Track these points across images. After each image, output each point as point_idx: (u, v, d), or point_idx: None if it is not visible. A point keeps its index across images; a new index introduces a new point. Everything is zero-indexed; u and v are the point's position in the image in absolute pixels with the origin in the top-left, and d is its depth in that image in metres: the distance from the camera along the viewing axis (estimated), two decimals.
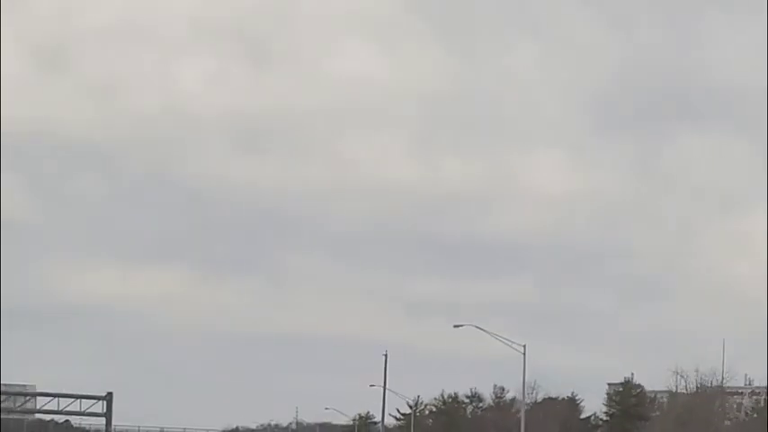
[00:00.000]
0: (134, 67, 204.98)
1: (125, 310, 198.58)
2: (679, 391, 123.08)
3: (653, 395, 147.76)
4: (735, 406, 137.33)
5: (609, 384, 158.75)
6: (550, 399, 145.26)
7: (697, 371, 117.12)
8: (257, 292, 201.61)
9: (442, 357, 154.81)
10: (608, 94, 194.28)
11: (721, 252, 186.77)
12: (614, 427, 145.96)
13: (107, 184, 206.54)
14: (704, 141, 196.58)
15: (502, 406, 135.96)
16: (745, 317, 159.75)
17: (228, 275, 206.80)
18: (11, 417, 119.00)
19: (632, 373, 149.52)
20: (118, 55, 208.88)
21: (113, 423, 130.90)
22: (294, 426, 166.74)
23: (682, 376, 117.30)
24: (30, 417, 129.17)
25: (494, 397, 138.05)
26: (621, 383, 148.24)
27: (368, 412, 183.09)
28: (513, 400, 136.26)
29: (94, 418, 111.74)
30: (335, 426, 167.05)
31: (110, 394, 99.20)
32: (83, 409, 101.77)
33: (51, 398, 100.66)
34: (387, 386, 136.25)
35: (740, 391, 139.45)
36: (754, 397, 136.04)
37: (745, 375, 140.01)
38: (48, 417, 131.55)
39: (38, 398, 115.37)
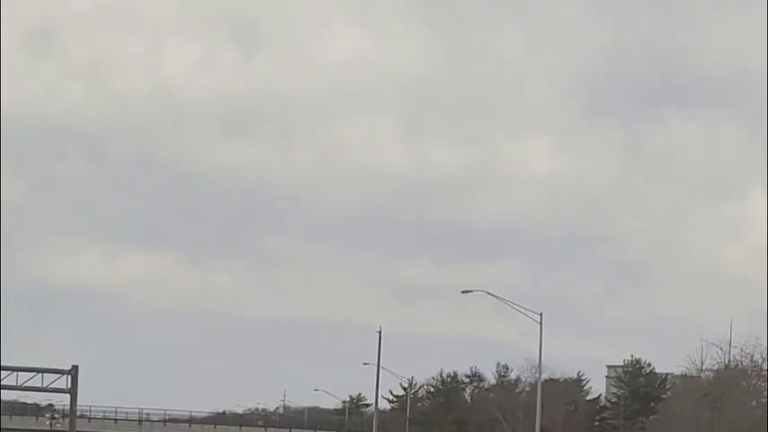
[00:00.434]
0: (121, 51, 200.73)
1: (111, 293, 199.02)
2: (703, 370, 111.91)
3: (663, 376, 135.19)
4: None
5: (608, 366, 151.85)
6: (552, 380, 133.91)
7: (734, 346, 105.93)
8: (244, 276, 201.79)
9: (433, 341, 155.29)
10: (596, 78, 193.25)
11: (710, 237, 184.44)
12: (624, 408, 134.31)
13: (94, 167, 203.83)
14: (693, 126, 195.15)
15: (506, 386, 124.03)
16: (735, 301, 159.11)
17: (215, 259, 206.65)
18: None
19: (632, 355, 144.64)
20: (105, 38, 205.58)
21: (90, 404, 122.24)
22: (281, 410, 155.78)
23: (720, 348, 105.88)
24: None
25: (496, 376, 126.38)
26: (631, 362, 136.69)
27: (359, 394, 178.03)
28: (518, 379, 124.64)
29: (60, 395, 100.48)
30: (324, 410, 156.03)
31: (75, 368, 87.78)
32: (45, 385, 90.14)
33: (10, 372, 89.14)
34: (380, 365, 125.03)
35: None
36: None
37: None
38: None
39: None
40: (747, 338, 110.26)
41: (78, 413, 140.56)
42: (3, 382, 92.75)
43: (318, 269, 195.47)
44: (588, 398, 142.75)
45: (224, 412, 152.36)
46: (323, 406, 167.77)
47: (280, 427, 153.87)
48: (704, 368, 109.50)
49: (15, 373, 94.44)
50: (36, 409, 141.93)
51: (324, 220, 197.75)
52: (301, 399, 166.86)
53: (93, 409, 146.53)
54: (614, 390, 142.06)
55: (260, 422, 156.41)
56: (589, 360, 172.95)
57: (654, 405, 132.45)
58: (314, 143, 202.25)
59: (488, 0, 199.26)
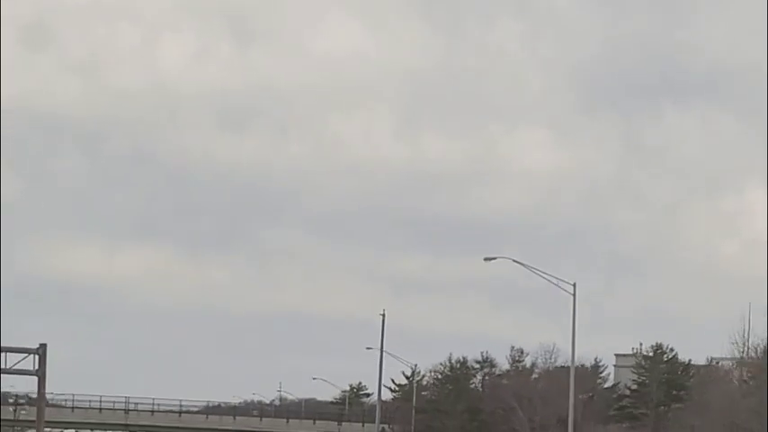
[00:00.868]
0: (117, 45, 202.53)
1: (108, 287, 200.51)
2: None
3: (686, 362, 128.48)
4: None
5: (617, 355, 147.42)
6: (565, 368, 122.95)
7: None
8: (241, 271, 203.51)
9: (431, 335, 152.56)
10: (593, 72, 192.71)
11: (708, 230, 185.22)
12: (644, 396, 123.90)
13: (90, 162, 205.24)
14: (690, 120, 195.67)
15: (521, 371, 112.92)
16: (732, 294, 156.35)
17: (212, 253, 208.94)
18: None
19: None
20: (101, 32, 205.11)
21: (73, 392, 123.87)
22: (278, 401, 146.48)
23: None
24: None
25: (510, 361, 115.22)
26: (653, 348, 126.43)
27: (359, 383, 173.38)
28: (534, 365, 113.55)
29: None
30: (321, 402, 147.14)
31: (43, 346, 76.72)
32: (9, 366, 79.44)
33: None
34: (383, 352, 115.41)
35: None
36: None
37: None
38: None
39: None
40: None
41: (60, 403, 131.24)
42: None
43: (316, 263, 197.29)
44: (605, 386, 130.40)
45: (219, 405, 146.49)
46: (320, 398, 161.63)
47: (276, 417, 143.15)
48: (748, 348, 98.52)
49: None
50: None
51: (322, 214, 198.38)
52: (299, 391, 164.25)
53: (76, 398, 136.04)
54: (634, 377, 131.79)
55: (255, 412, 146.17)
56: (590, 351, 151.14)
57: (678, 393, 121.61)
58: (311, 137, 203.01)
59: None
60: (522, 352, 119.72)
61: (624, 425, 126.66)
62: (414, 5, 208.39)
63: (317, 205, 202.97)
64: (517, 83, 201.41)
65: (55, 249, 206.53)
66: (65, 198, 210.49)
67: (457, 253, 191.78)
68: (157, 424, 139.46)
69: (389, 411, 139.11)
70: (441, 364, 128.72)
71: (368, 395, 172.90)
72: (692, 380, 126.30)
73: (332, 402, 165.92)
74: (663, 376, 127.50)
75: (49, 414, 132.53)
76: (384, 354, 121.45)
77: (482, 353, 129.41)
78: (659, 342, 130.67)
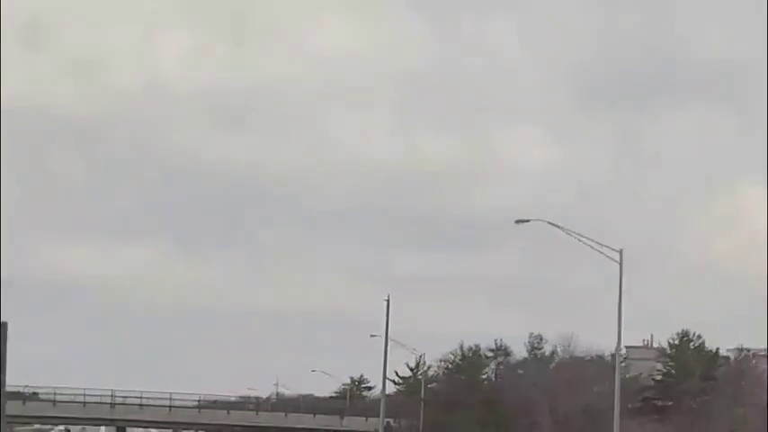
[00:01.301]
0: (113, 44, 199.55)
1: (104, 286, 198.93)
2: None
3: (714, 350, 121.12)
4: None
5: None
6: (581, 359, 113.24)
7: None
8: (237, 268, 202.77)
9: (429, 333, 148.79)
10: (590, 69, 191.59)
11: (704, 228, 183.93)
12: (669, 386, 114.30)
13: (86, 161, 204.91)
14: (687, 117, 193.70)
15: (540, 360, 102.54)
16: (729, 293, 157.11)
17: (208, 251, 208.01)
18: None
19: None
20: (97, 31, 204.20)
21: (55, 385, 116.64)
22: (274, 398, 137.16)
23: None
24: None
25: (528, 348, 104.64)
26: (679, 335, 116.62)
27: (361, 375, 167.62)
28: (554, 352, 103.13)
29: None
30: (319, 398, 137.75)
31: (3, 325, 65.63)
32: None
33: None
34: (389, 340, 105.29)
35: None
36: None
37: None
38: None
39: None
40: None
41: (40, 396, 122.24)
42: None
43: (314, 261, 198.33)
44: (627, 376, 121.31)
45: (215, 401, 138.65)
46: (318, 394, 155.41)
47: (274, 411, 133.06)
48: None
49: None
50: None
51: (319, 212, 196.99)
52: (297, 387, 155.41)
53: (57, 391, 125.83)
54: (658, 367, 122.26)
55: (251, 406, 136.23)
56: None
57: (707, 383, 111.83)
58: (309, 135, 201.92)
59: None
60: (541, 339, 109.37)
61: (652, 417, 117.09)
62: (410, 4, 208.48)
63: (315, 204, 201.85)
64: (514, 81, 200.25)
65: (52, 248, 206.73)
66: (60, 196, 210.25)
67: (456, 251, 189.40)
68: (146, 418, 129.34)
69: (394, 405, 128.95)
70: (451, 353, 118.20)
71: (369, 388, 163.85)
72: (721, 369, 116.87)
73: (331, 397, 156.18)
74: (690, 365, 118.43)
75: (29, 409, 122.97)
76: (389, 344, 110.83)
77: (496, 340, 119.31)
78: (685, 329, 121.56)
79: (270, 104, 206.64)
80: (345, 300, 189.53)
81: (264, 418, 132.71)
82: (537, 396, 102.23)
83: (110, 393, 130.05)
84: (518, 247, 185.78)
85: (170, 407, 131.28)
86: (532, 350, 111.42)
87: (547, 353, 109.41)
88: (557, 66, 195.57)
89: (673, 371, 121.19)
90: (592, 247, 58.62)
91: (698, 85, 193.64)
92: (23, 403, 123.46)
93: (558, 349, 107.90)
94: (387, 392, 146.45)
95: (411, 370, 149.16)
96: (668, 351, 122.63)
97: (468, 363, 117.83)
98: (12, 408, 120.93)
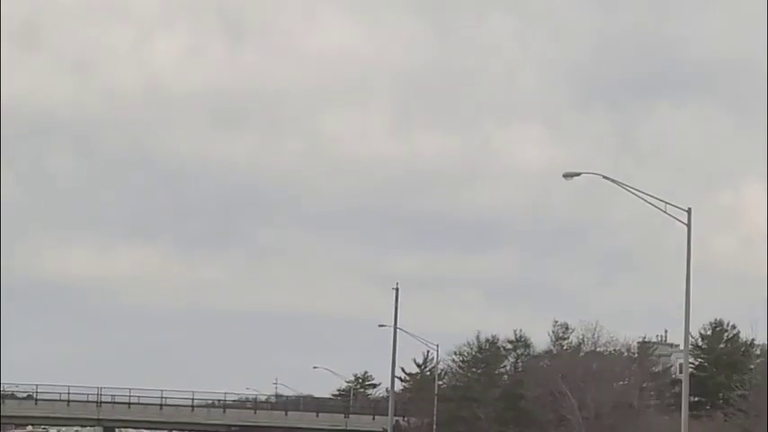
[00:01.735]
0: (109, 44, 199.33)
1: (101, 287, 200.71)
2: None
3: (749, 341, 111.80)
4: None
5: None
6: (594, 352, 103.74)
7: None
8: (236, 269, 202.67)
9: (428, 333, 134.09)
10: (588, 67, 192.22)
11: (703, 227, 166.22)
12: (702, 381, 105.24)
13: (83, 162, 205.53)
14: (685, 115, 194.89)
15: (565, 351, 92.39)
16: (727, 291, 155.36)
17: (207, 252, 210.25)
18: None
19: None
20: (93, 32, 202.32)
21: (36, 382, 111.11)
22: (274, 398, 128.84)
23: None
24: None
25: (553, 338, 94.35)
26: (711, 325, 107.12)
27: (365, 372, 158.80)
28: (582, 342, 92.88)
29: None
30: (318, 398, 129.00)
31: None
32: None
33: None
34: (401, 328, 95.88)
35: None
36: None
37: None
38: None
39: None
40: None
41: (21, 394, 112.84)
42: None
43: (310, 262, 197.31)
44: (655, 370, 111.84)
45: (213, 403, 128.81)
46: (318, 394, 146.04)
47: (273, 410, 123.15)
48: None
49: None
50: None
51: (318, 212, 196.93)
52: (297, 388, 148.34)
53: (40, 389, 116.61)
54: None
55: (248, 404, 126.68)
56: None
57: (742, 377, 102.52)
58: (306, 135, 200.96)
59: None
60: (566, 328, 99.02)
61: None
62: (408, 3, 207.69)
63: (314, 204, 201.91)
64: (511, 80, 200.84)
65: (50, 249, 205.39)
66: (58, 198, 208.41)
67: (455, 250, 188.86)
68: (134, 418, 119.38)
69: (401, 403, 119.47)
70: (467, 344, 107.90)
71: (374, 386, 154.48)
72: (758, 360, 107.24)
73: (334, 396, 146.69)
74: (723, 357, 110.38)
75: (9, 408, 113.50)
76: (398, 338, 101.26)
77: (515, 331, 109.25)
78: (718, 318, 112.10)
79: (268, 105, 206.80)
80: (345, 300, 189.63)
81: (263, 418, 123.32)
82: (564, 390, 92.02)
83: (96, 392, 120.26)
84: (514, 248, 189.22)
85: (161, 405, 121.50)
86: (557, 340, 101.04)
87: (573, 342, 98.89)
88: (555, 65, 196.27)
89: (705, 363, 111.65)
90: (656, 206, 49.62)
91: (697, 83, 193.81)
92: (2, 402, 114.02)
93: (587, 339, 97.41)
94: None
95: (418, 366, 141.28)
96: (700, 343, 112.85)
97: (485, 355, 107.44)
98: None
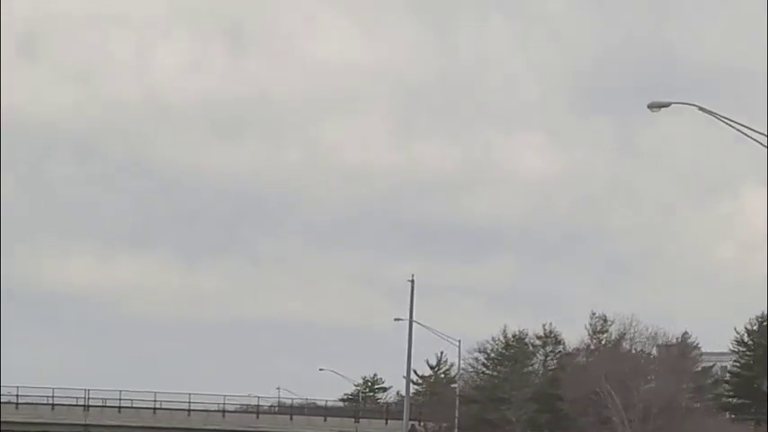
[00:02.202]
0: (110, 54, 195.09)
1: (102, 296, 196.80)
2: None
3: None
4: None
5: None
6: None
7: None
8: (237, 278, 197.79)
9: (430, 340, 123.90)
10: (588, 74, 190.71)
11: (703, 234, 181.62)
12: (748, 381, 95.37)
13: (83, 171, 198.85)
14: (686, 122, 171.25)
15: (606, 345, 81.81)
16: (727, 297, 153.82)
17: (207, 261, 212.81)
18: None
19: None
20: (94, 41, 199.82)
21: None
22: (276, 408, 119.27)
23: None
24: None
25: (590, 332, 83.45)
26: (758, 320, 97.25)
27: (374, 375, 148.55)
28: (623, 337, 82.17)
29: None
30: (320, 407, 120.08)
31: None
32: None
33: None
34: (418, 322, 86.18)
35: None
36: None
37: None
38: None
39: None
40: None
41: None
42: None
43: (311, 270, 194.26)
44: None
45: (211, 407, 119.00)
46: (321, 402, 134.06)
47: (278, 414, 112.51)
48: None
49: None
50: None
51: (318, 221, 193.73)
52: (302, 392, 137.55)
53: (20, 392, 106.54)
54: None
55: (251, 409, 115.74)
56: None
57: None
58: (306, 144, 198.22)
59: None
60: (605, 320, 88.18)
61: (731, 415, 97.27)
62: (408, 10, 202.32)
63: (315, 213, 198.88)
64: (512, 86, 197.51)
65: (50, 258, 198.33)
66: (58, 207, 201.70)
67: (455, 258, 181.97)
68: (125, 423, 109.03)
69: (415, 406, 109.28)
70: (491, 339, 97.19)
71: (384, 389, 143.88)
72: None
73: (342, 400, 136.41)
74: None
75: None
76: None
77: (544, 325, 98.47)
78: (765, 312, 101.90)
79: (269, 113, 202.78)
80: (345, 307, 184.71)
81: (267, 423, 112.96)
82: (607, 389, 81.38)
83: (83, 394, 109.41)
84: (514, 256, 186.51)
85: (155, 409, 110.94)
86: (594, 334, 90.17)
87: (613, 336, 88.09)
88: (555, 71, 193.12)
89: (751, 362, 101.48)
90: (746, 135, 41.40)
91: (698, 89, 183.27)
92: None
93: (628, 333, 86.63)
94: (403, 396, 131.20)
95: (432, 368, 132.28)
96: (745, 339, 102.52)
97: (512, 352, 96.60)
98: None
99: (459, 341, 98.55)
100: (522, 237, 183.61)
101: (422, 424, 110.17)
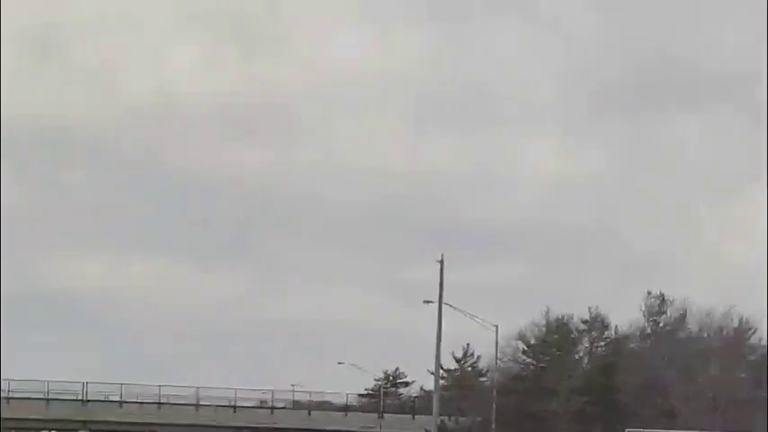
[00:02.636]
0: (123, 55, 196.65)
1: (116, 298, 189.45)
2: None
3: None
4: None
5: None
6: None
7: None
8: (250, 279, 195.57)
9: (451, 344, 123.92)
10: (602, 75, 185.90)
11: (718, 235, 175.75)
12: None
13: (96, 173, 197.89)
14: (701, 123, 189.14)
15: (665, 329, 71.61)
16: (743, 297, 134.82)
17: (221, 263, 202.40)
18: None
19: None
20: (107, 43, 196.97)
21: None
22: (291, 405, 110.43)
23: None
24: None
25: (646, 315, 73.17)
26: None
27: (396, 369, 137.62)
28: (684, 316, 72.24)
29: None
30: (332, 405, 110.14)
31: None
32: None
33: None
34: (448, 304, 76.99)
35: None
36: None
37: None
38: None
39: None
40: None
41: None
42: None
43: (324, 271, 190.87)
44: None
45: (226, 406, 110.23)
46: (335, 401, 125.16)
47: (294, 409, 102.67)
48: None
49: None
50: None
51: (330, 222, 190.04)
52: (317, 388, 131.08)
53: (12, 386, 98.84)
54: None
55: (266, 404, 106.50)
56: None
57: None
58: (318, 146, 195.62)
59: None
60: (662, 300, 77.88)
61: None
62: (420, 11, 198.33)
63: (328, 214, 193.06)
64: (524, 88, 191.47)
65: (63, 261, 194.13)
66: (71, 209, 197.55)
67: (468, 259, 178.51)
68: (127, 420, 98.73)
69: (442, 401, 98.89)
70: (533, 324, 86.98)
71: (406, 384, 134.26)
72: None
73: (362, 396, 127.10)
74: None
75: None
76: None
77: (589, 308, 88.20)
78: None
79: (282, 115, 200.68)
80: (359, 309, 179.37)
81: (282, 418, 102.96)
82: (672, 377, 71.25)
83: (80, 388, 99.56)
84: (526, 257, 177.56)
85: (159, 404, 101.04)
86: (650, 317, 79.81)
87: (671, 318, 77.83)
88: (568, 72, 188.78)
89: None
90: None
91: (712, 90, 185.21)
92: None
93: (689, 315, 76.52)
94: (428, 389, 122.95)
95: (457, 361, 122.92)
96: None
97: (557, 338, 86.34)
98: None
99: (497, 326, 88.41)
100: (536, 238, 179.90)
101: (452, 418, 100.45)
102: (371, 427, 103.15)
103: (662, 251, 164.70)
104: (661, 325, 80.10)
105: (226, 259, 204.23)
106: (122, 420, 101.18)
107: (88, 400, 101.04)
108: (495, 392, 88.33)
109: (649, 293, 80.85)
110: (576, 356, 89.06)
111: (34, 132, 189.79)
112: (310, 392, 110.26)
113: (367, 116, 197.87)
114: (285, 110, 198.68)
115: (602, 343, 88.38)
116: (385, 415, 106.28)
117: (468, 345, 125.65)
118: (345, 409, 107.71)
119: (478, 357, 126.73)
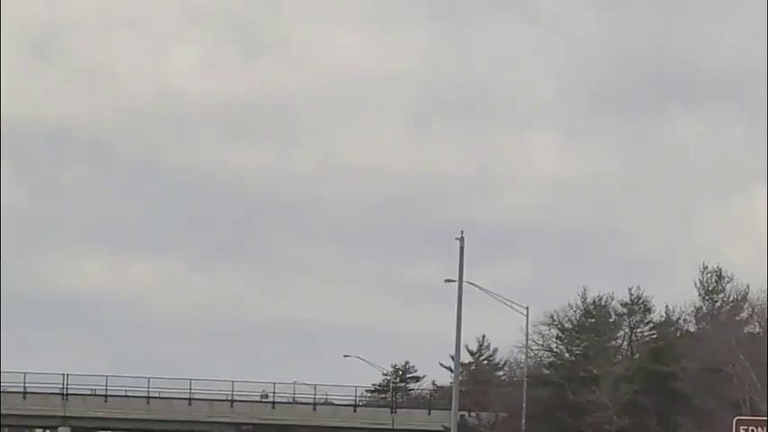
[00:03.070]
0: (123, 55, 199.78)
1: (117, 299, 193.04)
2: None
3: None
4: None
5: None
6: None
7: None
8: (251, 280, 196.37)
9: (444, 342, 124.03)
10: (602, 75, 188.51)
11: (719, 235, 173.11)
12: None
13: (96, 173, 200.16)
14: (701, 123, 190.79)
15: (724, 309, 61.93)
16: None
17: (221, 263, 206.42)
18: None
19: None
20: (107, 43, 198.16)
21: None
22: (294, 395, 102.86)
23: None
24: None
25: (702, 292, 63.72)
26: None
27: (406, 363, 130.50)
28: (745, 298, 62.40)
29: None
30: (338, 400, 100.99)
31: None
32: None
33: None
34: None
35: None
36: None
37: None
38: None
39: None
40: None
41: None
42: None
43: (326, 272, 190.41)
44: None
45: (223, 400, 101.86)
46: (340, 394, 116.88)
47: (297, 404, 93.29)
48: None
49: None
50: None
51: (331, 222, 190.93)
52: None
53: None
54: None
55: (267, 398, 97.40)
56: None
57: None
58: (320, 145, 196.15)
59: None
60: (719, 275, 67.99)
61: None
62: (420, 11, 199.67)
63: (329, 214, 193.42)
64: (525, 87, 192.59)
65: (64, 262, 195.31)
66: (71, 209, 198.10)
67: (470, 259, 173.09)
68: (112, 416, 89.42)
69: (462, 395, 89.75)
70: (569, 305, 77.29)
71: (417, 379, 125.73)
72: None
73: (370, 391, 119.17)
74: None
75: None
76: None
77: (630, 289, 78.57)
78: None
79: (283, 115, 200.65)
80: (359, 310, 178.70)
81: (284, 414, 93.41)
82: (739, 362, 61.46)
83: (60, 380, 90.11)
84: (528, 257, 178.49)
85: (148, 398, 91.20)
86: (706, 295, 69.87)
87: (731, 297, 68.02)
88: (568, 72, 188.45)
89: None
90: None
91: (713, 90, 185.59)
92: None
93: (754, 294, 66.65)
94: (442, 385, 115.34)
95: (472, 354, 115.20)
96: None
97: (594, 321, 76.42)
98: None
99: (527, 307, 78.69)
100: (537, 238, 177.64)
101: (472, 414, 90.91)
102: (384, 424, 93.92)
103: (662, 251, 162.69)
104: (718, 304, 70.62)
105: (226, 259, 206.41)
106: (106, 416, 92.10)
107: (69, 394, 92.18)
108: (525, 383, 78.82)
109: (705, 267, 71.30)
110: (615, 342, 79.54)
111: (34, 132, 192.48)
112: (315, 386, 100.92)
113: (367, 116, 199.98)
114: (285, 110, 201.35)
115: (646, 327, 79.04)
116: (398, 410, 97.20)
117: (483, 337, 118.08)
118: (354, 404, 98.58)
119: (495, 350, 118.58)
